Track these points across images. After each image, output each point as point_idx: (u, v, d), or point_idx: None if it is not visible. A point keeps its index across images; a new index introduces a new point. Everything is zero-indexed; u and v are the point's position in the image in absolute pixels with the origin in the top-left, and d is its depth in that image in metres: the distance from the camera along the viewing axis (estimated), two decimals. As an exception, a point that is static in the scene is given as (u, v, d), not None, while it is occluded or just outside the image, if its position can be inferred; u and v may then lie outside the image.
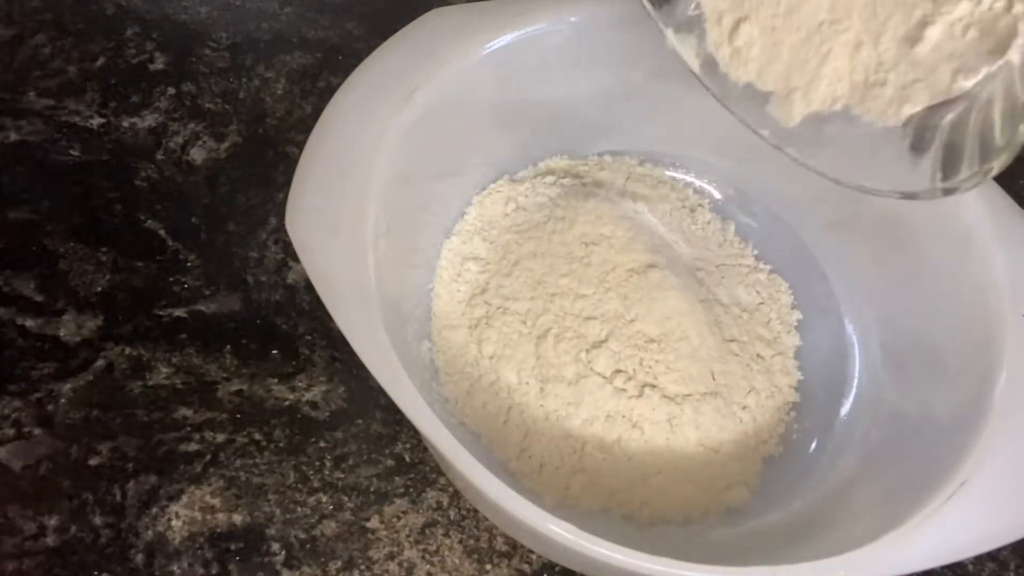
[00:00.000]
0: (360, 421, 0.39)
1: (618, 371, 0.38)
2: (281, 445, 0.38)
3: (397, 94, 0.35)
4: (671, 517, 0.36)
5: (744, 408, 0.38)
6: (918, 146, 0.29)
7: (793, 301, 0.43)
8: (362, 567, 0.36)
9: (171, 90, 0.48)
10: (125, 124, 0.46)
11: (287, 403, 0.39)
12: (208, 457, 0.38)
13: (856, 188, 0.31)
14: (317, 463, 0.38)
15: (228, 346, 0.40)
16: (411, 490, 0.38)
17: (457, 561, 0.36)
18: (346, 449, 0.38)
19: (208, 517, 0.37)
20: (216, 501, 0.37)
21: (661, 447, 0.37)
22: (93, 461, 0.37)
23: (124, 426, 0.38)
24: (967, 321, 0.35)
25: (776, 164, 0.43)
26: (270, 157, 0.46)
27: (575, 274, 0.40)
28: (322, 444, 0.38)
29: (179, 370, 0.40)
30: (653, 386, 0.38)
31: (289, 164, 0.46)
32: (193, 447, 0.38)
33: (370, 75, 0.36)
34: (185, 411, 0.39)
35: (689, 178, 0.46)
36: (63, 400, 0.38)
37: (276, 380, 0.40)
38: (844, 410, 0.40)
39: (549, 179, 0.44)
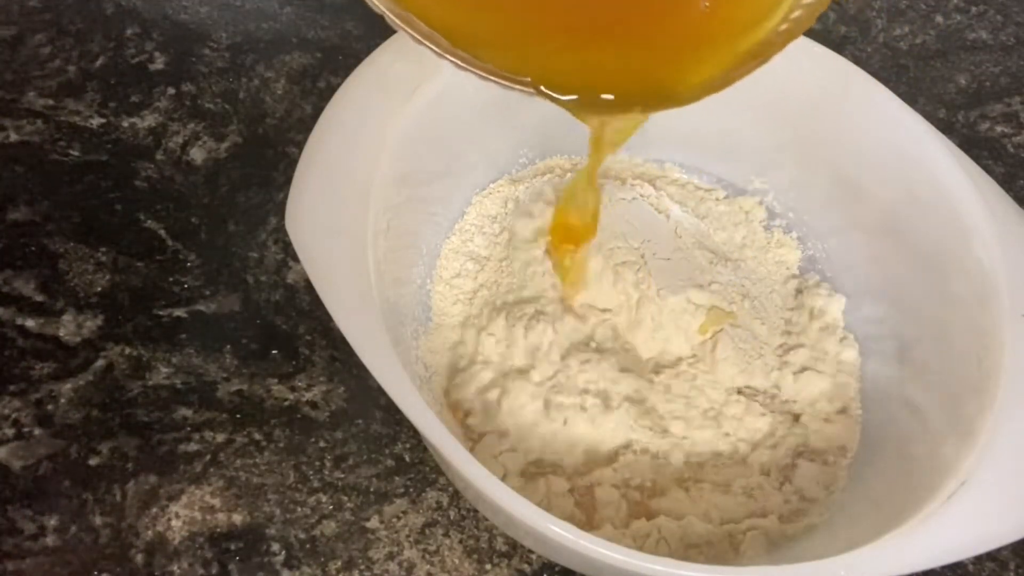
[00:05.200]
0: (360, 421, 0.39)
1: (621, 374, 0.38)
2: (281, 445, 0.38)
3: (397, 94, 0.35)
4: (667, 513, 0.36)
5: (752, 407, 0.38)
6: None
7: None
8: (362, 567, 0.36)
9: (171, 90, 0.48)
10: (125, 124, 0.46)
11: (287, 403, 0.39)
12: (208, 457, 0.38)
13: None
14: (317, 463, 0.38)
15: (228, 346, 0.40)
16: (411, 490, 0.38)
17: (457, 561, 0.36)
18: (346, 449, 0.38)
19: (208, 517, 0.37)
20: (216, 501, 0.37)
21: (664, 451, 0.37)
22: (93, 461, 0.37)
23: (124, 426, 0.38)
24: (967, 321, 0.35)
25: (778, 168, 0.44)
26: (270, 157, 0.46)
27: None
28: (322, 444, 0.38)
29: (179, 370, 0.40)
30: (653, 379, 0.38)
31: (289, 164, 0.46)
32: (193, 447, 0.38)
33: (370, 75, 0.36)
34: (185, 411, 0.39)
35: (687, 177, 0.46)
36: (63, 400, 0.38)
37: (276, 380, 0.40)
38: (844, 410, 0.40)
39: (549, 178, 0.44)
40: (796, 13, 0.28)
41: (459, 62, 0.27)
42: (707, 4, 0.29)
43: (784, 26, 0.28)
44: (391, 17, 0.27)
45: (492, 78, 0.27)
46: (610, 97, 0.28)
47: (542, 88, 0.27)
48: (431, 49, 0.27)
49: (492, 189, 0.43)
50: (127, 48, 0.49)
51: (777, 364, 0.39)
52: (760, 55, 0.28)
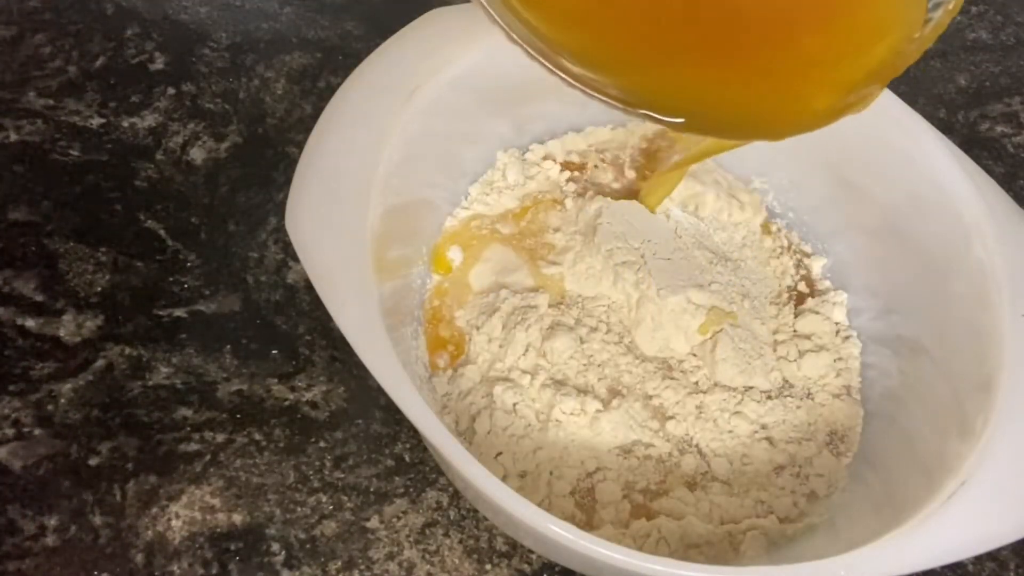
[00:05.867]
0: (360, 421, 0.39)
1: (622, 374, 0.38)
2: (281, 445, 0.38)
3: (397, 94, 0.35)
4: (667, 513, 0.36)
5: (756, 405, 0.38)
6: None
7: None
8: (362, 567, 0.36)
9: (171, 90, 0.48)
10: (125, 124, 0.46)
11: (287, 403, 0.39)
12: (208, 457, 0.38)
13: None
14: (317, 463, 0.38)
15: (228, 346, 0.40)
16: (411, 490, 0.38)
17: (457, 561, 0.36)
18: (346, 449, 0.38)
19: (208, 517, 0.37)
20: (216, 501, 0.37)
21: (671, 452, 0.37)
22: (93, 461, 0.37)
23: (124, 426, 0.38)
24: (967, 321, 0.35)
25: (778, 168, 0.44)
26: (270, 157, 0.46)
27: (576, 272, 0.40)
28: (322, 444, 0.38)
29: (179, 370, 0.40)
30: (655, 378, 0.38)
31: (289, 164, 0.46)
32: (193, 447, 0.38)
33: (370, 75, 0.36)
34: (185, 411, 0.39)
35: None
36: (63, 400, 0.38)
37: (276, 380, 0.40)
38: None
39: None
40: (916, 33, 0.27)
41: (571, 80, 0.27)
42: (821, 24, 0.27)
43: (905, 46, 0.27)
44: (507, 32, 0.27)
45: (599, 97, 0.27)
46: (719, 124, 0.27)
47: (650, 113, 0.27)
48: (545, 67, 0.27)
49: (492, 188, 0.43)
50: (127, 48, 0.49)
51: (777, 362, 0.39)
52: (889, 70, 0.27)
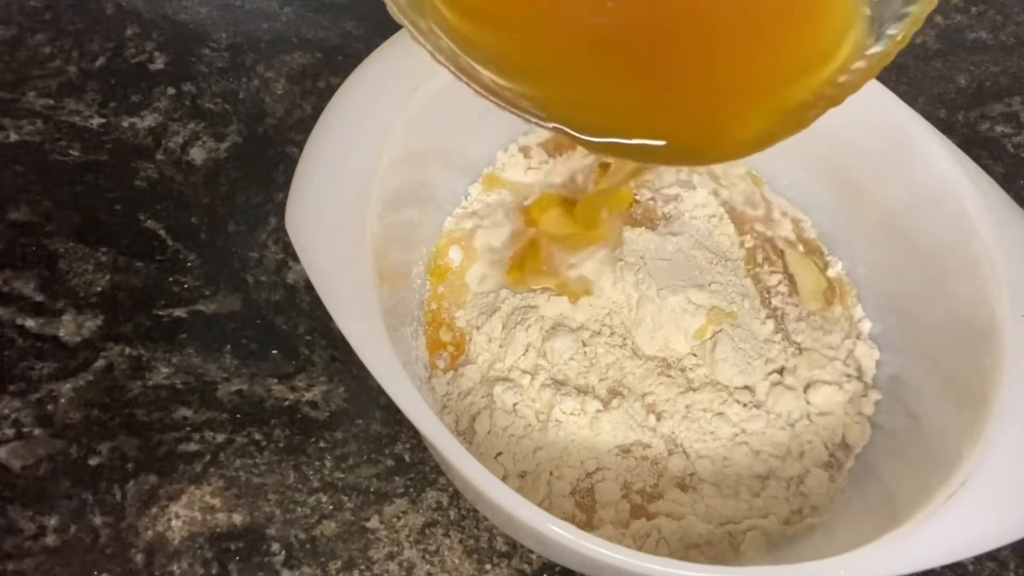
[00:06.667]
0: (360, 421, 0.39)
1: (621, 374, 0.38)
2: (281, 445, 0.38)
3: (398, 93, 0.35)
4: (667, 513, 0.36)
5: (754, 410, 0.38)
6: None
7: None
8: (362, 567, 0.36)
9: (171, 90, 0.48)
10: (125, 124, 0.46)
11: (287, 403, 0.39)
12: (208, 457, 0.38)
13: None
14: (317, 463, 0.38)
15: (228, 346, 0.40)
16: (411, 490, 0.38)
17: (457, 561, 0.36)
18: (346, 449, 0.38)
19: (208, 517, 0.37)
20: (216, 501, 0.37)
21: (663, 453, 0.37)
22: (93, 461, 0.37)
23: (124, 426, 0.38)
24: (967, 321, 0.35)
25: (777, 171, 0.44)
26: (270, 157, 0.46)
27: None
28: (322, 444, 0.38)
29: (179, 370, 0.40)
30: (654, 379, 0.38)
31: (289, 164, 0.46)
32: (193, 447, 0.38)
33: (371, 74, 0.36)
34: (185, 411, 0.39)
35: (686, 177, 0.46)
36: (63, 400, 0.38)
37: (276, 380, 0.40)
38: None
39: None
40: (858, 63, 0.26)
41: (479, 88, 0.25)
42: (749, 52, 0.26)
43: (843, 77, 0.26)
44: (412, 33, 0.25)
45: (511, 109, 0.26)
46: (636, 145, 0.26)
47: (564, 128, 0.26)
48: (451, 71, 0.25)
49: (494, 189, 0.43)
50: (127, 48, 0.49)
51: (778, 366, 0.39)
52: (813, 108, 0.26)
